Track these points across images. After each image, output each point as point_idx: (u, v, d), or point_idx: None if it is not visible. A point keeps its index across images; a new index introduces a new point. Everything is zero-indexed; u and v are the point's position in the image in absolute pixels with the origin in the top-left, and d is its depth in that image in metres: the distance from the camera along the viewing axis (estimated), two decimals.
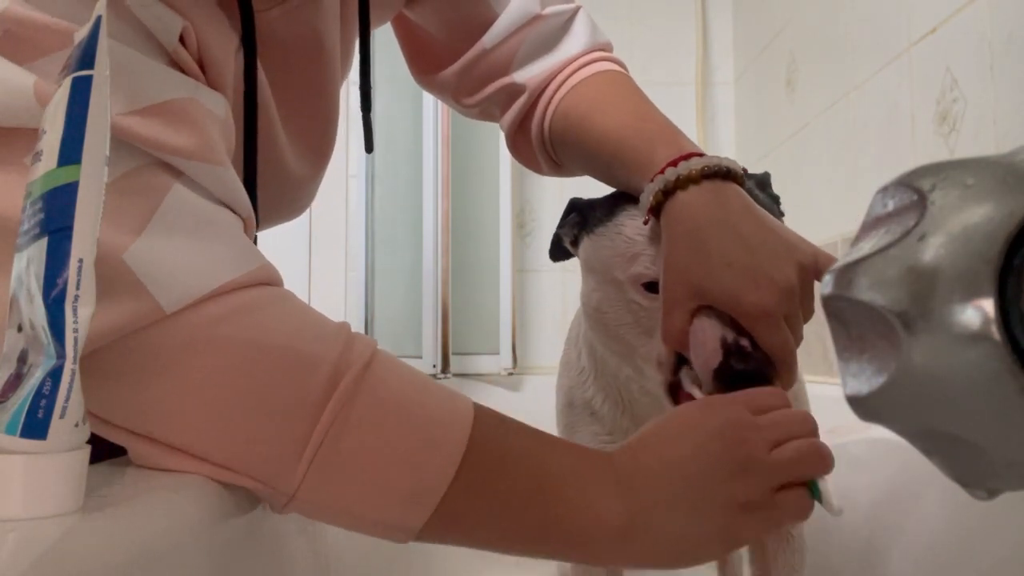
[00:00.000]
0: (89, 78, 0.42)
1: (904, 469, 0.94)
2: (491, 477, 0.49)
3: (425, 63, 0.80)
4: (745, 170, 0.62)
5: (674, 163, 0.59)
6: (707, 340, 0.54)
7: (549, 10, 0.74)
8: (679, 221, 0.56)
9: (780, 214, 0.66)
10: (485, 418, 0.51)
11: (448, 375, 1.80)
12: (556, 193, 2.04)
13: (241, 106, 0.62)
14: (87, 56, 0.42)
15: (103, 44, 0.42)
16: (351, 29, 0.75)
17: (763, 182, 0.67)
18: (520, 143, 0.80)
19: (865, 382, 0.39)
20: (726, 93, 2.16)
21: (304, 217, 2.15)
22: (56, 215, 0.41)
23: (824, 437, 0.53)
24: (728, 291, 0.53)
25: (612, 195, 0.69)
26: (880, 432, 0.41)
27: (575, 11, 0.75)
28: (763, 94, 1.95)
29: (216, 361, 0.47)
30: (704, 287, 0.54)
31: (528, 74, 0.74)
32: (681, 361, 0.60)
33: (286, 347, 0.48)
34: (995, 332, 0.34)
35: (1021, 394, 0.34)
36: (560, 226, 0.73)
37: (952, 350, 0.35)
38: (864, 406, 0.40)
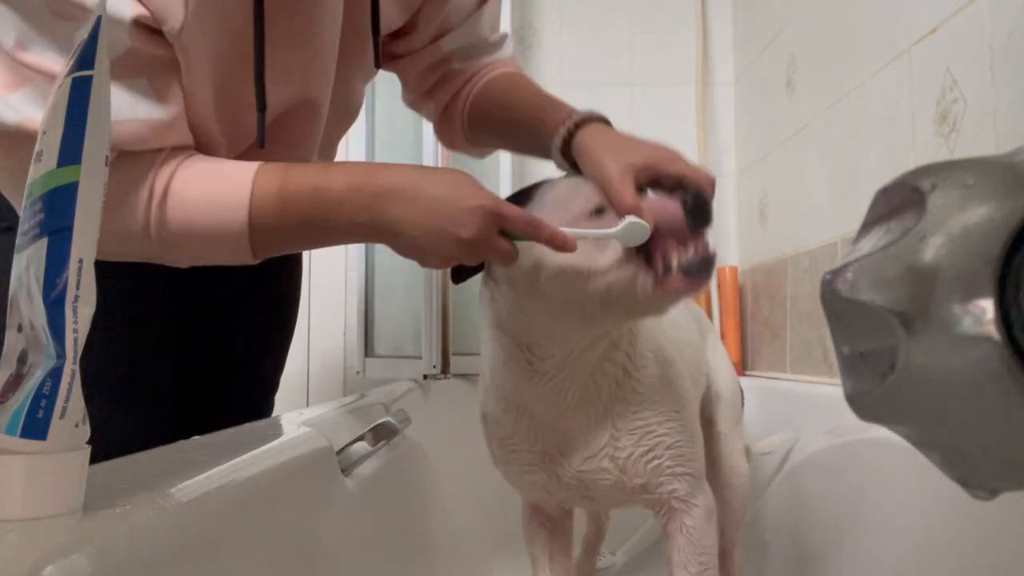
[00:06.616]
0: (89, 78, 0.42)
1: (897, 469, 0.94)
2: (279, 229, 0.78)
3: (388, 51, 1.06)
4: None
5: (570, 115, 0.86)
6: (665, 203, 0.73)
7: (494, 37, 1.06)
8: (591, 141, 0.81)
9: None
10: (262, 197, 0.77)
11: (448, 375, 1.80)
12: None
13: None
14: (87, 56, 0.42)
15: (103, 44, 0.42)
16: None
17: None
18: (444, 124, 1.08)
19: (865, 382, 0.39)
20: (726, 93, 2.16)
21: None
22: (56, 215, 0.41)
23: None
24: (649, 154, 0.77)
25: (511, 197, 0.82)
26: (880, 432, 0.41)
27: (505, 35, 1.09)
28: (763, 94, 1.95)
29: None
30: (633, 162, 0.76)
31: (465, 65, 1.05)
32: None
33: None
34: (995, 332, 0.34)
35: (1021, 394, 0.34)
36: None
37: (952, 350, 0.35)
38: (864, 406, 0.40)
